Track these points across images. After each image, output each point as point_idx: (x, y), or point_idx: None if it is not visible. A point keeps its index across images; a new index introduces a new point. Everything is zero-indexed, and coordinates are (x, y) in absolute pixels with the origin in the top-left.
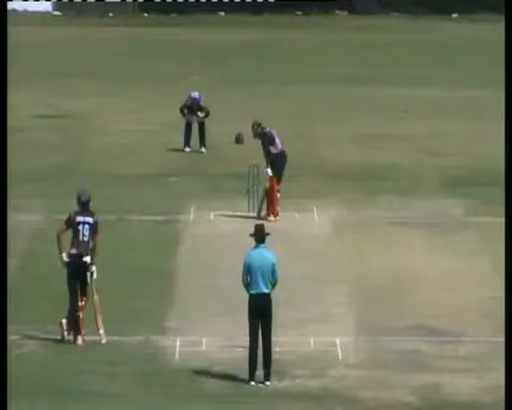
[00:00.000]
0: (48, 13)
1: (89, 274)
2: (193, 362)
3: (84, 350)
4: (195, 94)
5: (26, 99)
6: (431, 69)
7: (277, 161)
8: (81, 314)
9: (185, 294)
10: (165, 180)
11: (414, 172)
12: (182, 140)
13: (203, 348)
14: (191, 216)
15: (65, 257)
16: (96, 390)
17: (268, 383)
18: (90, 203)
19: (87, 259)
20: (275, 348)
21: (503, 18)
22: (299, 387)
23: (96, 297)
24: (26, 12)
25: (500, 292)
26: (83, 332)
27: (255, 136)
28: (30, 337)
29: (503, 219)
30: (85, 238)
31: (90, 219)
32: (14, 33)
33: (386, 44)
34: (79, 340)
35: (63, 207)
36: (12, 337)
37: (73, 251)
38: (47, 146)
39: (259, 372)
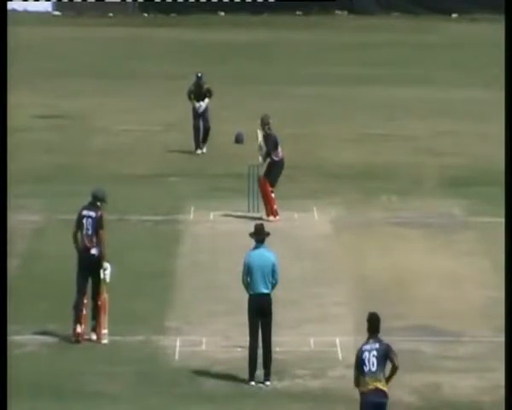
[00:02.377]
0: (48, 13)
1: (102, 270)
2: (193, 362)
3: (84, 350)
4: (200, 74)
5: (26, 99)
6: (431, 69)
7: (276, 168)
8: (84, 310)
9: (185, 294)
10: (165, 180)
11: (414, 172)
12: (182, 140)
13: (203, 348)
14: (191, 216)
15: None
16: (96, 390)
17: (268, 383)
18: (102, 203)
19: (94, 251)
20: (275, 348)
21: (503, 18)
22: (299, 387)
23: (105, 296)
24: (26, 12)
25: (500, 292)
26: (82, 328)
27: (263, 131)
28: (30, 337)
29: (503, 219)
30: (89, 232)
31: (92, 214)
32: (14, 33)
33: (386, 44)
34: (77, 333)
35: (63, 207)
36: (12, 337)
37: (80, 245)
38: (47, 146)
39: (259, 372)
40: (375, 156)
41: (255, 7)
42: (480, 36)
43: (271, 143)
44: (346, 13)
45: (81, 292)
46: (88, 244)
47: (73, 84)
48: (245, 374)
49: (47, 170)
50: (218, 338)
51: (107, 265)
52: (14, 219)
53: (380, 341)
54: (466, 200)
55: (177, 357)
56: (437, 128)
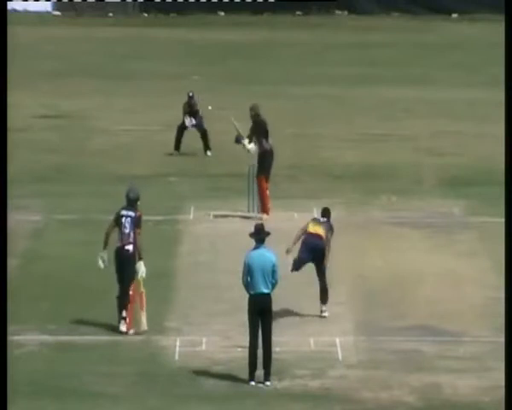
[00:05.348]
0: (48, 13)
1: (138, 270)
2: (193, 362)
3: (84, 350)
4: (191, 93)
5: (26, 99)
6: (431, 69)
7: (267, 158)
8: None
9: (185, 294)
10: (165, 180)
11: (414, 172)
12: (182, 140)
13: (203, 348)
14: (191, 216)
15: (101, 259)
16: (95, 390)
17: (268, 383)
18: (139, 202)
19: (129, 247)
20: (275, 348)
21: (503, 18)
22: (299, 387)
23: (142, 290)
24: (26, 12)
25: (500, 292)
26: (128, 319)
27: (252, 119)
28: (30, 337)
29: (503, 219)
30: (126, 230)
31: (132, 213)
32: (14, 33)
33: (387, 44)
34: (123, 326)
35: (63, 208)
36: (12, 337)
37: (118, 244)
38: (47, 146)
39: (259, 372)
40: (375, 156)
41: (255, 7)
42: (480, 36)
43: (262, 129)
44: (346, 13)
45: (124, 287)
46: (125, 242)
47: (73, 84)
48: (245, 374)
49: (47, 170)
50: (218, 338)
51: (141, 264)
52: (14, 219)
53: None
54: (466, 200)
55: (176, 357)
56: (437, 128)
